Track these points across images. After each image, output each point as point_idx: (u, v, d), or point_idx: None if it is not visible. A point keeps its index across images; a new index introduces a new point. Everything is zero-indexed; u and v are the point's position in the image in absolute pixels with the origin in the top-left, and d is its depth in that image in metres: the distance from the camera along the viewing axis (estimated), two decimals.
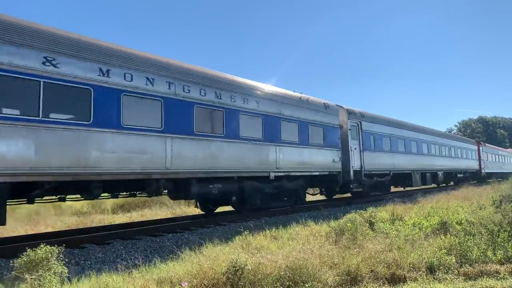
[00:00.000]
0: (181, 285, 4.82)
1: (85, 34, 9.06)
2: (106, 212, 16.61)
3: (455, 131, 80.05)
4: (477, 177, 36.96)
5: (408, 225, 8.80)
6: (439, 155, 28.07)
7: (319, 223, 10.28)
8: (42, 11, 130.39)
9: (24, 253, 4.89)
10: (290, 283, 5.05)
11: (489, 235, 7.21)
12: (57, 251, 5.02)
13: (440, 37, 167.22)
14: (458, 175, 32.17)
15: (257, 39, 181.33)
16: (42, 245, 5.00)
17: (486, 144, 44.47)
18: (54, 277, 4.71)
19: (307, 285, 5.03)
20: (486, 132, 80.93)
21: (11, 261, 5.16)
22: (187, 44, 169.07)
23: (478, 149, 37.85)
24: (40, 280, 4.55)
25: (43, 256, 4.81)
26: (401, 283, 5.51)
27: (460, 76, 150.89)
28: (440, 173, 27.29)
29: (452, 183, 32.38)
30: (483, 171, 37.44)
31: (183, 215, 14.18)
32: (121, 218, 14.75)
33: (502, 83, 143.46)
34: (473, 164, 35.89)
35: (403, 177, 22.52)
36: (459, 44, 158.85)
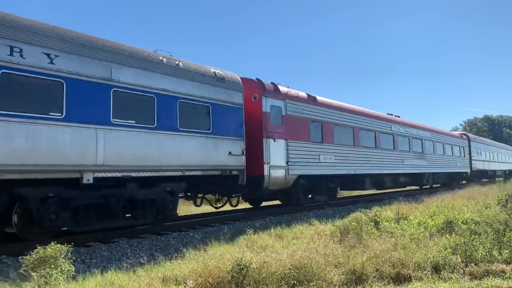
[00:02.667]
0: (186, 284, 4.85)
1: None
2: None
3: (460, 130, 79.56)
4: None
5: (413, 224, 8.79)
6: None
7: (323, 222, 10.28)
8: (42, 9, 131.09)
9: (34, 251, 4.95)
10: (295, 282, 5.07)
11: (495, 235, 7.18)
12: (66, 250, 5.07)
13: (444, 35, 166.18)
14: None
15: (256, 37, 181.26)
16: (52, 243, 5.06)
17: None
18: (61, 275, 4.75)
19: (311, 284, 5.04)
20: (492, 131, 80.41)
21: (20, 258, 5.20)
22: (184, 39, 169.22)
23: (260, 101, 12.60)
24: (46, 278, 4.59)
25: (52, 254, 4.86)
26: (406, 282, 5.50)
27: (466, 74, 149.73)
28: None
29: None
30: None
31: (188, 214, 14.22)
32: None
33: (509, 81, 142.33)
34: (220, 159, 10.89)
35: None
36: (465, 42, 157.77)
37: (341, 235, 7.76)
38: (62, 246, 5.07)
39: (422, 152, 23.19)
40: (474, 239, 6.80)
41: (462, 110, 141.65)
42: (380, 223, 8.77)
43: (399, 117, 22.15)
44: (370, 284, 5.33)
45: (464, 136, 33.04)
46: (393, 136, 20.14)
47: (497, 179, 37.68)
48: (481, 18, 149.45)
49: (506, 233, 7.12)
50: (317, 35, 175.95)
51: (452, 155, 28.17)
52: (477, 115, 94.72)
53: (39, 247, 4.97)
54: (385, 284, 5.41)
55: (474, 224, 8.26)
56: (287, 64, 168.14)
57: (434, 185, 26.30)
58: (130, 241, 8.70)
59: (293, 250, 6.23)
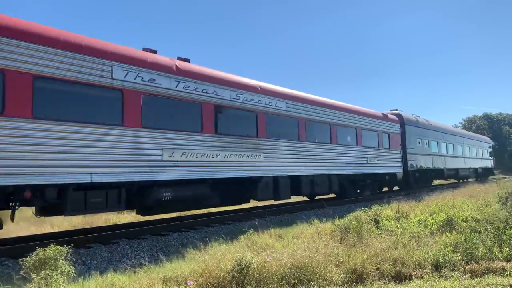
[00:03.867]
0: (187, 284, 4.85)
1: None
2: (112, 212, 16.52)
3: (460, 128, 79.55)
4: None
5: (414, 223, 8.79)
6: None
7: (324, 221, 10.28)
8: (43, 9, 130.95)
9: (34, 253, 4.94)
10: (296, 281, 5.07)
11: (495, 232, 7.18)
12: (66, 251, 5.07)
13: (444, 34, 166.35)
14: None
15: (258, 37, 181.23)
16: (52, 245, 5.05)
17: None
18: (61, 277, 4.74)
19: (312, 283, 5.04)
20: (491, 129, 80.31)
21: (19, 260, 5.19)
22: (184, 40, 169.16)
23: None
24: (47, 280, 4.58)
25: (52, 255, 4.86)
26: (407, 281, 5.50)
27: (465, 72, 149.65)
28: None
29: None
30: None
31: (188, 214, 14.23)
32: (127, 218, 14.82)
33: (508, 79, 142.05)
34: None
35: None
36: (464, 40, 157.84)
37: (341, 234, 7.75)
38: (62, 247, 5.07)
39: (257, 136, 11.97)
40: (474, 237, 6.81)
41: (462, 108, 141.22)
42: (381, 221, 8.77)
43: (187, 60, 10.63)
44: (370, 283, 5.33)
45: (394, 116, 20.36)
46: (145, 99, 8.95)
47: (468, 180, 28.81)
48: (481, 17, 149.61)
49: (506, 230, 7.12)
50: (317, 35, 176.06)
51: (357, 145, 17.06)
52: (476, 113, 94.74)
53: (38, 249, 4.96)
54: (385, 282, 5.41)
55: (474, 222, 8.25)
56: (288, 64, 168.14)
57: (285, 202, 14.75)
58: (131, 242, 8.70)
59: (293, 250, 6.22)
